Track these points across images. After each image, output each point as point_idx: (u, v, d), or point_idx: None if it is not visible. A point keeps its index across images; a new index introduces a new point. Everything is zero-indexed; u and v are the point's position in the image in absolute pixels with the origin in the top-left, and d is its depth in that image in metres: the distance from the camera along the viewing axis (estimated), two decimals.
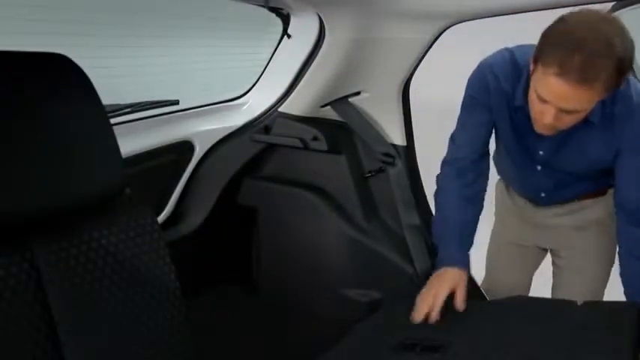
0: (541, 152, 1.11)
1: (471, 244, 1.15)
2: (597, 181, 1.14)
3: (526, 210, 1.30)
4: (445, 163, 1.18)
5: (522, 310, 1.02)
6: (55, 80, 0.57)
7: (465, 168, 1.15)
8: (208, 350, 0.77)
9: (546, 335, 0.89)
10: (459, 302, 1.02)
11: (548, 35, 0.89)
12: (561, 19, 0.88)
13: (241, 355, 1.16)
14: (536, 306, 1.04)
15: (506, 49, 1.06)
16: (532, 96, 0.94)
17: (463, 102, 1.14)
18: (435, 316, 1.00)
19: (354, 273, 1.34)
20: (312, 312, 1.35)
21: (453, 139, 1.17)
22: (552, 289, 1.37)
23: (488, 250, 1.48)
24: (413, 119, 1.34)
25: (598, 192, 1.18)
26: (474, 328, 0.95)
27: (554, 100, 0.90)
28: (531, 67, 0.92)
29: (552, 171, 1.13)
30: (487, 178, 1.20)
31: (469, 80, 1.11)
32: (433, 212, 1.32)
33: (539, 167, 1.14)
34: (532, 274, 1.48)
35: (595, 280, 1.29)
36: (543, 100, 0.91)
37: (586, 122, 0.99)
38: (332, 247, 1.34)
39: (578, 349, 0.83)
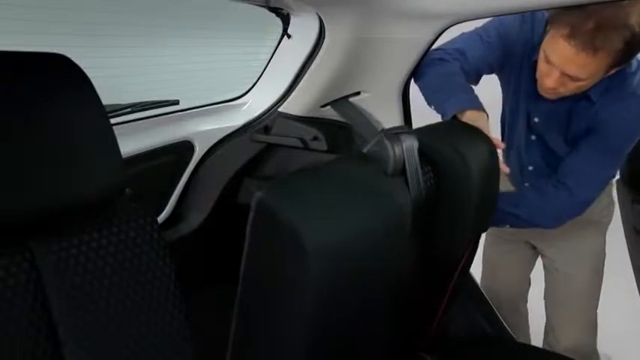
0: (536, 119, 1.12)
1: None
2: None
3: None
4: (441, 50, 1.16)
5: None
6: (55, 80, 0.57)
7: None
8: (208, 350, 0.77)
9: None
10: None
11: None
12: None
13: None
14: None
15: None
16: (540, 56, 0.96)
17: (484, 31, 1.12)
18: None
19: None
20: None
21: (454, 44, 1.15)
22: (544, 292, 1.38)
23: (484, 247, 1.49)
24: (413, 119, 1.34)
25: None
26: None
27: (559, 62, 0.91)
28: (546, 28, 0.93)
29: (542, 145, 1.15)
30: None
31: (504, 19, 1.10)
32: None
33: (533, 137, 1.15)
34: (528, 273, 1.49)
35: (582, 283, 1.28)
36: (549, 62, 0.93)
37: (584, 97, 1.00)
38: None
39: None
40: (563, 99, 1.03)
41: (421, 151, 0.81)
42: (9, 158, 0.52)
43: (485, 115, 1.02)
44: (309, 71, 1.21)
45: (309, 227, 0.60)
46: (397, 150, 0.76)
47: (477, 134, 0.95)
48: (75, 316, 0.58)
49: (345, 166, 0.78)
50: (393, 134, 0.78)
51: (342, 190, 0.69)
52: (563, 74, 0.93)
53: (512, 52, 1.11)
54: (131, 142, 1.07)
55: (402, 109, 1.31)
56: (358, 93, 1.29)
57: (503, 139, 1.30)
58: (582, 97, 1.02)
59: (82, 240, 0.61)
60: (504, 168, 0.99)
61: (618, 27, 0.83)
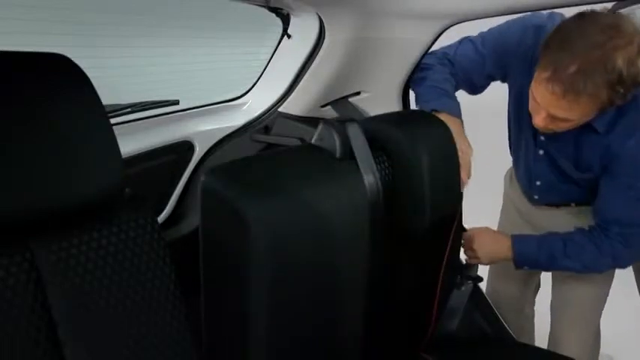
0: (542, 137, 1.08)
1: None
2: (591, 191, 1.09)
3: (523, 206, 1.30)
4: (439, 54, 1.15)
5: None
6: (55, 80, 0.56)
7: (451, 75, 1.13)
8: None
9: None
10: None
11: (555, 34, 0.84)
12: (577, 17, 0.82)
13: None
14: None
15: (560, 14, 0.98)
16: (530, 92, 0.92)
17: (481, 40, 1.09)
18: None
19: None
20: None
21: (457, 46, 1.13)
22: (551, 298, 1.36)
23: None
24: None
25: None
26: None
27: (543, 104, 0.88)
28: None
29: (551, 161, 1.10)
30: None
31: (504, 30, 1.05)
32: None
33: (541, 152, 1.10)
34: (535, 277, 1.47)
35: (588, 292, 1.25)
36: (536, 101, 0.90)
37: (589, 127, 0.95)
38: None
39: None
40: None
41: (373, 137, 0.84)
42: (9, 158, 0.52)
43: (459, 121, 1.03)
44: (309, 71, 1.21)
45: (250, 201, 0.63)
46: (342, 136, 0.79)
47: (434, 120, 0.96)
48: (75, 316, 0.58)
49: (292, 152, 0.82)
50: (337, 123, 0.81)
51: (286, 170, 0.72)
52: (550, 114, 0.89)
53: (511, 65, 1.06)
54: (131, 142, 1.07)
55: (402, 108, 1.31)
56: (358, 93, 1.29)
57: (510, 144, 1.26)
58: (587, 127, 0.95)
59: (82, 240, 0.61)
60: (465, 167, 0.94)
61: (602, 71, 0.78)
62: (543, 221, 1.23)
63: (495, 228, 1.35)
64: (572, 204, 1.19)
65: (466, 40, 1.14)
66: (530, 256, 1.09)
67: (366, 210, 0.76)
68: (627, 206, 0.98)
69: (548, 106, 0.87)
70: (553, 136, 1.04)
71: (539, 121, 0.92)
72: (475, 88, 1.17)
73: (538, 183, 1.18)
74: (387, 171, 0.86)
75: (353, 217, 0.74)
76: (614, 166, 0.96)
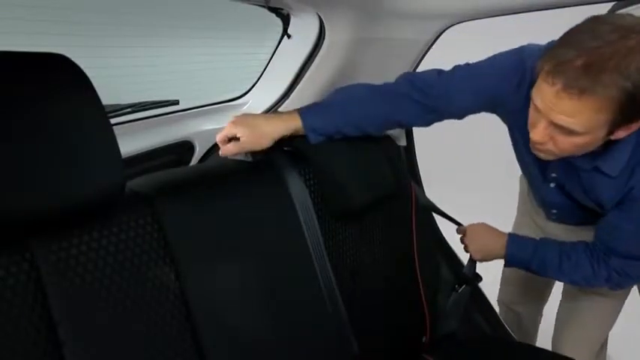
0: (553, 174, 1.00)
1: (327, 131, 0.98)
2: None
3: (539, 219, 1.27)
4: (405, 78, 1.03)
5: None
6: (55, 80, 0.56)
7: (411, 102, 1.00)
8: None
9: None
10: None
11: (562, 36, 0.75)
12: (588, 20, 0.73)
13: None
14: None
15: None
16: (531, 101, 0.81)
17: (472, 70, 0.97)
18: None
19: None
20: None
21: (433, 75, 0.99)
22: (558, 307, 1.34)
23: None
24: None
25: None
26: None
27: (542, 106, 0.76)
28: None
29: (565, 193, 1.03)
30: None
31: (497, 61, 0.94)
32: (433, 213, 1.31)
33: (552, 185, 1.03)
34: (549, 291, 1.45)
35: (601, 310, 1.20)
36: (536, 107, 0.79)
37: (597, 171, 0.88)
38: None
39: None
40: (574, 167, 0.89)
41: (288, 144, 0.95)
42: (9, 158, 0.52)
43: (246, 120, 0.92)
44: (309, 71, 1.21)
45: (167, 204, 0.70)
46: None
47: None
48: (75, 316, 0.58)
49: (212, 165, 0.91)
50: None
51: (205, 179, 0.81)
52: (551, 124, 0.77)
53: (505, 108, 0.95)
54: (131, 142, 1.07)
55: None
56: None
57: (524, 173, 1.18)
58: (594, 169, 0.86)
59: (82, 240, 0.61)
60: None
61: (613, 71, 0.67)
62: (560, 234, 1.18)
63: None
64: (591, 223, 1.10)
65: (440, 72, 1.00)
66: (522, 259, 1.05)
67: (298, 213, 0.85)
68: (635, 241, 0.92)
69: (548, 108, 0.75)
70: (564, 172, 0.96)
71: (536, 134, 0.80)
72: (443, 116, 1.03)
73: (554, 211, 1.14)
74: (309, 175, 0.94)
75: (286, 215, 0.83)
76: (633, 204, 0.87)
